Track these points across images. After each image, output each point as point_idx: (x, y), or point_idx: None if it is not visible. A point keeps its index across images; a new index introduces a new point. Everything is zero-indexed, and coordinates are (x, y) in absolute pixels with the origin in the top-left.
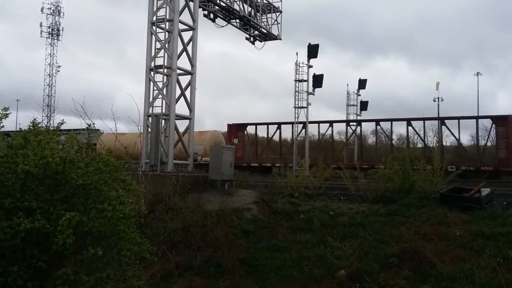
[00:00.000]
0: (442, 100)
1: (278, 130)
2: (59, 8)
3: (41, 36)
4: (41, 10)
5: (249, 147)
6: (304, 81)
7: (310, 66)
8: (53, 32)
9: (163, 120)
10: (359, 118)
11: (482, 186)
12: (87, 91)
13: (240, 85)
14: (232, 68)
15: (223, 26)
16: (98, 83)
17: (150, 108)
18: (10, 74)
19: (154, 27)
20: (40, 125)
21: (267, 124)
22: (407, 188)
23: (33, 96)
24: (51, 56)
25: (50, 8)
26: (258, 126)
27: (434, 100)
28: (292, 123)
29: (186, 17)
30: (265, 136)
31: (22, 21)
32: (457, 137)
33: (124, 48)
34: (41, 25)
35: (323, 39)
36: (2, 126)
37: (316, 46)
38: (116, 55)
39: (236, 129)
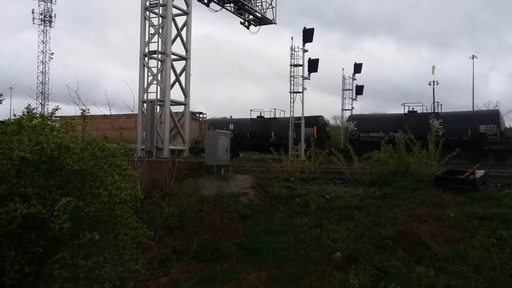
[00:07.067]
0: (438, 83)
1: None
2: None
3: (34, 23)
4: None
5: None
6: (300, 65)
7: (305, 51)
8: (45, 19)
9: (158, 106)
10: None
11: (477, 168)
12: (73, 77)
13: (227, 68)
14: (216, 51)
15: (217, 11)
16: (82, 69)
17: (145, 94)
18: None
19: (147, 12)
20: (34, 111)
21: None
22: (402, 171)
23: (22, 84)
24: (43, 43)
25: None
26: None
27: (429, 84)
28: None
29: (179, 1)
30: None
31: None
32: None
33: (106, 32)
34: (33, 12)
35: (309, 19)
36: None
37: (311, 30)
38: (98, 39)
39: None
